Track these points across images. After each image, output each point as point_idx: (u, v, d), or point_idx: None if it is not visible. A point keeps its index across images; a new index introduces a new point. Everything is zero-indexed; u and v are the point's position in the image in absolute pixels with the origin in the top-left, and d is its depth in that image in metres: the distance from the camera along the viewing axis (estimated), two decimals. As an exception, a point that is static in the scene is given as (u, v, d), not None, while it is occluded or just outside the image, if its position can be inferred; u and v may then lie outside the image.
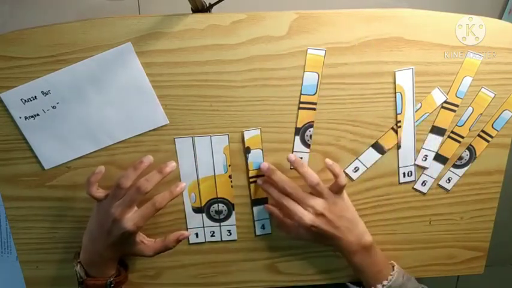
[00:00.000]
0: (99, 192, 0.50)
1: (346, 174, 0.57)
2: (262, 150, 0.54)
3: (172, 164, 0.52)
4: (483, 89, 0.56)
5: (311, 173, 0.52)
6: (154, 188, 0.50)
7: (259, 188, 0.56)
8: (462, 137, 0.57)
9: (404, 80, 0.54)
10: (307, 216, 0.51)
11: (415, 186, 0.58)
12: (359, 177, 0.57)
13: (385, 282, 0.54)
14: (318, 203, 0.51)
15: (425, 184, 0.58)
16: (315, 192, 0.52)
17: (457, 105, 0.56)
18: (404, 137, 0.56)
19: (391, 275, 0.55)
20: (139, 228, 0.50)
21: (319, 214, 0.51)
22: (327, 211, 0.51)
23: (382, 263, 0.56)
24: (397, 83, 0.54)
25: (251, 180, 0.56)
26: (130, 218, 0.49)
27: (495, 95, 0.56)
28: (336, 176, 0.52)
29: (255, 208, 0.57)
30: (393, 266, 0.57)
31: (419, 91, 0.55)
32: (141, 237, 0.54)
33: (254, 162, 0.55)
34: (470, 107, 0.56)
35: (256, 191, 0.56)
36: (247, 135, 0.54)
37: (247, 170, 0.55)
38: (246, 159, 0.54)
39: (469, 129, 0.57)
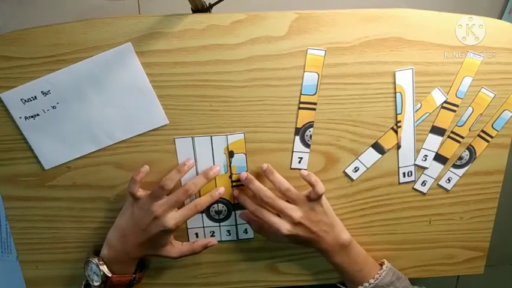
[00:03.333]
0: (140, 191, 0.51)
1: (346, 174, 0.57)
2: (245, 154, 0.54)
3: (216, 168, 0.53)
4: (483, 89, 0.56)
5: (280, 179, 0.53)
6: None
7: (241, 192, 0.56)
8: (462, 137, 0.57)
9: (404, 80, 0.54)
10: (284, 226, 0.51)
11: (415, 186, 0.58)
12: (359, 177, 0.57)
13: (371, 281, 0.54)
14: (294, 213, 0.51)
15: (425, 184, 0.58)
16: (288, 198, 0.52)
17: (457, 105, 0.56)
18: (404, 137, 0.56)
19: (378, 273, 0.55)
20: (177, 227, 0.51)
21: (296, 223, 0.51)
22: (304, 219, 0.51)
23: (363, 262, 0.56)
24: (397, 83, 0.54)
25: (234, 184, 0.56)
26: (172, 216, 0.51)
27: (495, 95, 0.56)
28: (312, 186, 0.52)
29: (237, 212, 0.57)
30: (382, 265, 0.57)
31: (419, 91, 0.55)
32: (171, 238, 0.54)
33: (237, 166, 0.55)
34: (470, 107, 0.56)
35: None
36: (231, 139, 0.54)
37: (231, 173, 0.55)
38: (230, 163, 0.55)
39: (469, 129, 0.57)
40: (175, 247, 0.54)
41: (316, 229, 0.52)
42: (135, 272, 0.55)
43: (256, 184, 0.53)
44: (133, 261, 0.54)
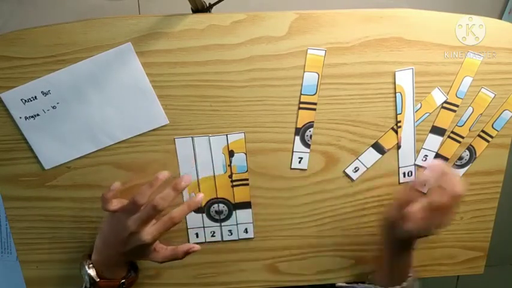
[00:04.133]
0: (114, 206, 0.50)
1: (346, 175, 0.57)
2: (246, 154, 0.54)
3: (187, 179, 0.52)
4: (483, 89, 0.55)
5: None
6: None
7: (242, 192, 0.56)
8: (462, 137, 0.57)
9: (405, 80, 0.54)
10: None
11: None
12: (359, 177, 0.57)
13: (404, 284, 0.55)
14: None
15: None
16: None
17: (457, 105, 0.56)
18: (404, 137, 0.56)
19: (407, 280, 0.56)
20: (156, 240, 0.50)
21: None
22: None
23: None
24: (397, 83, 0.54)
25: (234, 183, 0.55)
26: (148, 231, 0.49)
27: (495, 95, 0.56)
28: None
29: (238, 211, 0.57)
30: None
31: (420, 91, 0.55)
32: (154, 245, 0.53)
33: (238, 165, 0.55)
34: (470, 107, 0.56)
35: (238, 194, 0.56)
36: (231, 138, 0.54)
37: (231, 173, 0.55)
38: (230, 162, 0.54)
39: (469, 130, 0.57)
40: (160, 253, 0.53)
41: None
42: (128, 275, 0.55)
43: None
44: (122, 265, 0.54)
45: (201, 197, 0.53)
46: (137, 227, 0.49)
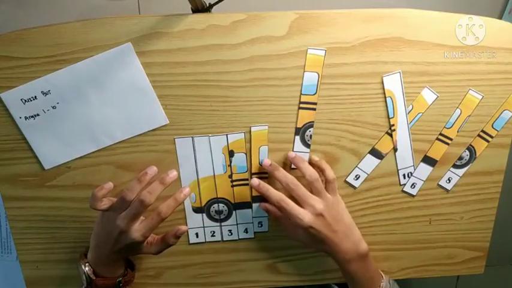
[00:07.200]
0: (104, 205, 0.50)
1: (349, 184, 0.57)
2: (246, 154, 0.54)
3: (173, 173, 0.52)
4: (471, 90, 0.55)
5: (310, 168, 0.52)
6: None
7: (242, 192, 0.56)
8: (451, 139, 0.57)
9: (393, 84, 0.54)
10: (306, 217, 0.50)
11: (404, 189, 0.58)
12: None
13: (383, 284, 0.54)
14: (317, 203, 0.51)
15: (414, 186, 0.58)
16: (314, 190, 0.52)
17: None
18: (400, 139, 0.56)
19: (382, 281, 0.55)
20: (147, 237, 0.50)
21: (318, 214, 0.50)
22: (326, 212, 0.51)
23: (374, 269, 0.55)
24: (386, 87, 0.53)
25: (234, 183, 0.55)
26: (137, 229, 0.49)
27: (483, 96, 0.56)
28: (322, 170, 0.53)
29: (238, 211, 0.57)
30: (382, 274, 0.57)
31: (419, 91, 0.55)
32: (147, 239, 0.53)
33: (238, 166, 0.55)
34: (458, 109, 0.56)
35: (239, 194, 0.56)
36: (231, 138, 0.54)
37: (231, 173, 0.55)
38: (230, 162, 0.54)
39: (457, 131, 0.57)
40: (153, 244, 0.53)
41: (336, 228, 0.51)
42: (125, 273, 0.55)
43: (282, 171, 0.52)
44: (117, 263, 0.54)
45: (188, 190, 0.53)
46: (126, 225, 0.49)
